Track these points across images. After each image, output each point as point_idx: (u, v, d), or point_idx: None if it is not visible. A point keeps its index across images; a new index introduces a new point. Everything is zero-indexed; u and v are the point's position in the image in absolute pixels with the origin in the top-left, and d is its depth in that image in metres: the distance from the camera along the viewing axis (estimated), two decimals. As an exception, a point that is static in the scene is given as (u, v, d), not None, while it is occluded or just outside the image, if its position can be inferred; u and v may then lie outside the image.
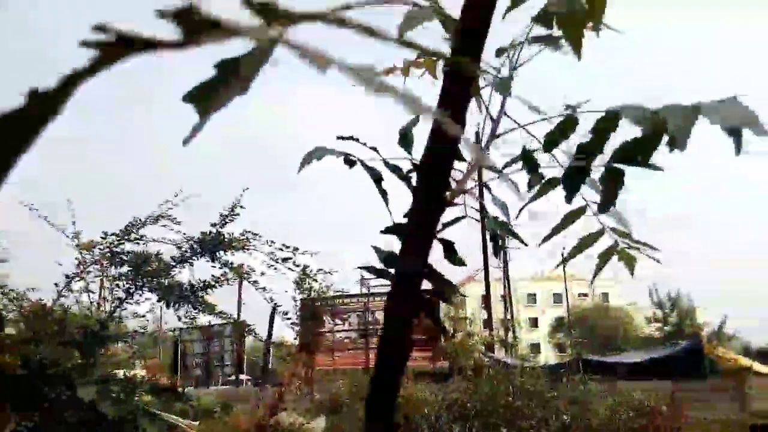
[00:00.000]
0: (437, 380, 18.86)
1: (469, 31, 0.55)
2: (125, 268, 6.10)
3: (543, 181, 0.92)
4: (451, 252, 0.97)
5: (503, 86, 0.80)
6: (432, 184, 0.63)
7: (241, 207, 6.22)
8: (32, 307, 6.02)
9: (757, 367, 19.79)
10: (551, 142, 0.83)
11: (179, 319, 6.22)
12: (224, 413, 14.05)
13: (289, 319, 6.97)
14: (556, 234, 1.05)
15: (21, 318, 5.95)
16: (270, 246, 6.30)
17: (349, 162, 0.89)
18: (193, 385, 29.01)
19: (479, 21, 0.57)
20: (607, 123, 0.75)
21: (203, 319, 6.72)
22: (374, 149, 0.87)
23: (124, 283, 6.03)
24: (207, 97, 0.32)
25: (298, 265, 6.44)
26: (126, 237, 6.27)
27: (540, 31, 0.82)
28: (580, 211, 1.01)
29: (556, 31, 0.81)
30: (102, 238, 6.29)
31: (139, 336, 7.08)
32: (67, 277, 6.17)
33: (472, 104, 0.91)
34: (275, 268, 6.31)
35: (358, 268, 0.97)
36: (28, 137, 0.27)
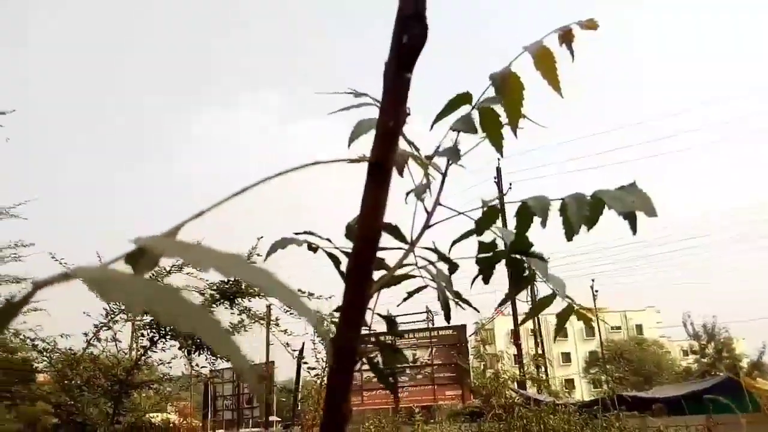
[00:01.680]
0: (471, 419, 18.59)
1: (386, 134, 0.70)
2: (149, 318, 6.30)
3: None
4: (392, 325, 1.11)
5: (419, 193, 0.95)
6: (356, 273, 0.77)
7: (258, 255, 6.41)
8: (63, 356, 6.24)
9: (804, 400, 18.99)
10: (481, 227, 0.97)
11: (191, 366, 6.36)
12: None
13: (306, 363, 7.07)
14: (532, 317, 1.20)
15: (52, 368, 6.16)
16: None
17: (312, 249, 1.05)
18: (224, 427, 28.94)
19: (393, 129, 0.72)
20: (522, 213, 0.89)
21: (224, 365, 6.86)
22: (328, 240, 1.02)
23: (149, 332, 6.22)
24: (134, 263, 0.48)
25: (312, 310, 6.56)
26: (155, 274, 6.49)
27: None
28: (551, 298, 1.12)
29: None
30: (129, 287, 6.51)
31: (166, 382, 7.24)
32: (95, 326, 6.39)
33: (410, 197, 1.05)
34: (291, 313, 6.45)
35: (302, 361, 1.10)
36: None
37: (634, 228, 0.86)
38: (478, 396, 21.27)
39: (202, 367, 6.47)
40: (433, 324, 28.29)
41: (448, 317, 1.11)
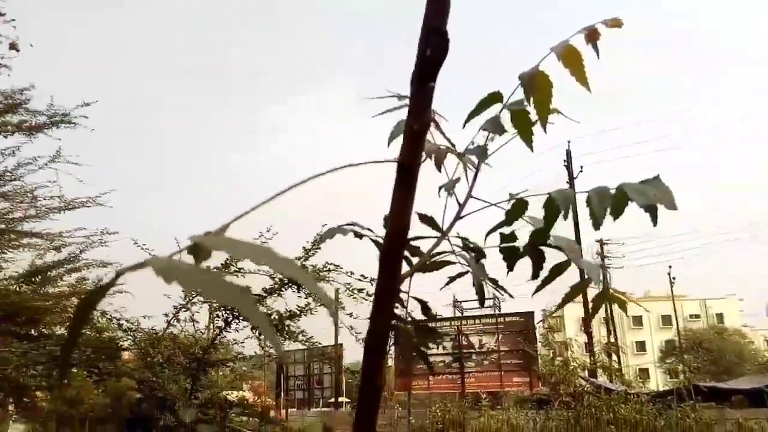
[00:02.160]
0: (539, 406, 18.42)
1: (405, 166, 0.78)
2: (224, 299, 6.61)
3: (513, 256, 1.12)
4: (426, 310, 1.20)
5: (449, 188, 1.02)
6: (387, 260, 0.85)
7: (323, 240, 6.57)
8: (145, 336, 6.68)
9: None
10: (509, 219, 1.03)
11: (262, 348, 6.66)
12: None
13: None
14: (565, 305, 1.25)
15: (136, 346, 6.61)
16: (350, 276, 6.63)
17: (358, 236, 1.14)
18: (295, 406, 29.94)
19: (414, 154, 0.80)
20: (554, 203, 0.94)
21: (295, 346, 7.14)
22: (369, 229, 1.11)
23: (223, 313, 6.55)
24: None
25: (371, 295, 6.74)
26: (226, 270, 6.83)
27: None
28: (585, 283, 1.18)
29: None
30: (204, 271, 6.87)
31: (240, 360, 7.62)
32: (174, 308, 6.80)
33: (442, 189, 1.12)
34: (354, 297, 6.63)
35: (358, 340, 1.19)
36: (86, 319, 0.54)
37: (654, 220, 0.90)
38: (546, 383, 21.01)
39: (271, 348, 6.78)
40: (500, 310, 28.05)
41: (482, 302, 1.18)
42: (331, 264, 6.62)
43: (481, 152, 1.01)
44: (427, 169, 1.24)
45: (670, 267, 39.09)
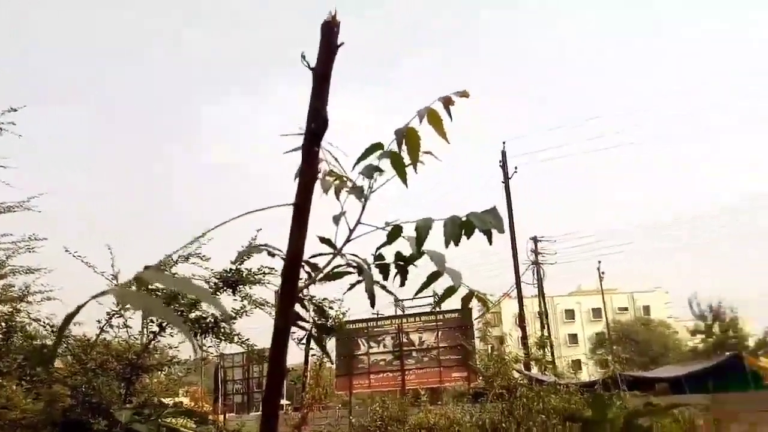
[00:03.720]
0: (476, 400, 19.01)
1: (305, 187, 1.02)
2: (158, 304, 6.63)
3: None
4: (321, 312, 1.45)
5: (336, 220, 1.28)
6: (287, 276, 1.08)
7: (258, 246, 6.69)
8: (78, 342, 6.63)
9: (806, 378, 19.20)
10: (389, 240, 1.29)
11: (201, 348, 6.72)
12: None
13: (302, 343, 7.43)
14: (440, 304, 1.52)
15: (68, 352, 6.55)
16: None
17: (271, 254, 1.37)
18: (234, 410, 29.57)
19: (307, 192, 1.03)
20: (419, 229, 1.21)
21: (233, 347, 7.23)
22: (280, 250, 1.34)
23: (157, 318, 6.58)
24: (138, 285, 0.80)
25: (306, 296, 6.91)
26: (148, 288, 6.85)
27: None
28: (455, 288, 1.45)
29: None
30: (138, 277, 6.87)
31: (174, 365, 7.64)
32: (107, 314, 6.77)
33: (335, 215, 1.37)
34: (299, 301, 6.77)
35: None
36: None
37: (489, 240, 1.18)
38: (482, 377, 21.68)
39: (209, 346, 6.86)
40: (440, 307, 28.63)
41: (372, 304, 1.42)
42: (266, 267, 6.76)
43: (360, 192, 1.26)
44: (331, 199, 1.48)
45: (599, 262, 40.96)
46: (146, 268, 0.80)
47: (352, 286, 1.43)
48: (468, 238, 1.19)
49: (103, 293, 0.69)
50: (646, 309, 60.64)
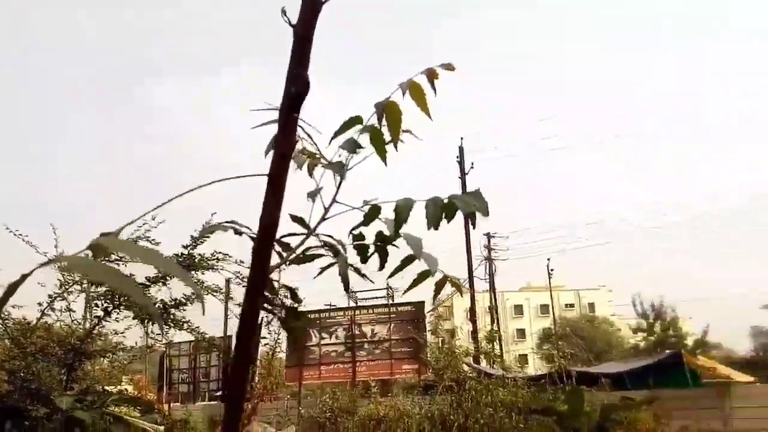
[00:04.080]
0: (425, 392, 19.17)
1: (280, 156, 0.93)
2: (103, 289, 6.38)
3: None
4: (294, 296, 1.37)
5: (313, 196, 1.20)
6: (258, 254, 1.00)
7: (203, 236, 6.50)
8: (17, 325, 6.31)
9: (738, 376, 20.08)
10: (366, 220, 1.22)
11: (147, 335, 6.53)
12: (210, 429, 14.29)
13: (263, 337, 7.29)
14: (413, 288, 1.47)
15: (6, 336, 6.23)
16: (239, 265, 6.61)
17: (238, 232, 1.27)
18: (179, 400, 28.98)
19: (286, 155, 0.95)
20: (399, 209, 1.14)
21: (180, 336, 7.03)
22: (249, 228, 1.25)
23: (103, 302, 6.33)
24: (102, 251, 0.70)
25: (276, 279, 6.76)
26: (106, 258, 6.58)
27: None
28: (427, 273, 1.39)
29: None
30: (84, 258, 6.59)
31: (120, 351, 7.37)
32: (50, 297, 6.46)
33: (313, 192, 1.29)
34: (243, 285, 6.63)
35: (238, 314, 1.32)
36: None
37: (473, 223, 1.13)
38: (432, 370, 21.89)
39: (157, 334, 6.63)
40: (392, 300, 28.76)
41: (346, 287, 1.35)
42: (219, 253, 6.56)
43: (339, 167, 1.19)
44: (303, 175, 1.40)
45: (548, 259, 41.88)
46: (103, 235, 0.70)
47: (323, 269, 1.35)
48: (448, 222, 1.13)
49: (53, 260, 0.60)
50: (591, 306, 62.43)
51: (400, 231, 1.15)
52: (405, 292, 1.49)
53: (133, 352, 7.31)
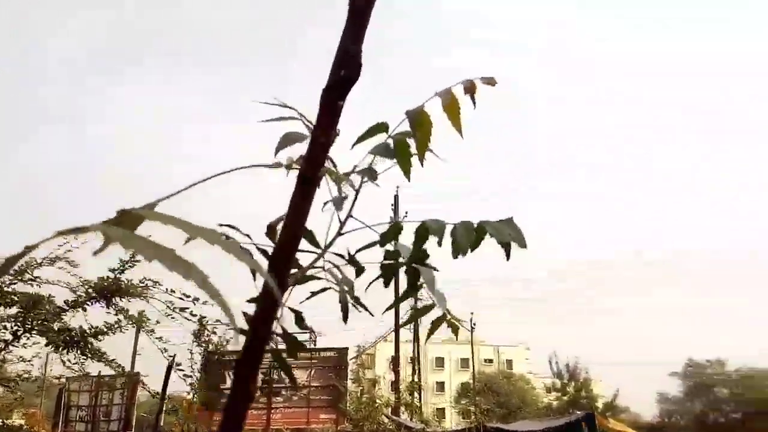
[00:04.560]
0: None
1: (316, 144, 0.81)
2: (14, 310, 5.87)
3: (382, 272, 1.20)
4: (299, 320, 1.22)
5: (338, 204, 1.08)
6: (277, 268, 0.86)
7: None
8: None
9: (644, 439, 20.72)
10: (385, 239, 1.11)
11: (64, 364, 6.01)
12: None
13: (182, 371, 6.85)
14: (411, 322, 1.34)
15: None
16: (170, 294, 6.26)
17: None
18: (76, 439, 26.82)
19: (322, 153, 0.83)
20: (421, 231, 1.04)
21: (93, 368, 6.48)
22: (248, 236, 1.10)
23: (12, 324, 5.79)
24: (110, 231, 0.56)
25: (195, 315, 6.42)
26: (19, 277, 6.05)
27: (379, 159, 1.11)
28: (429, 307, 1.28)
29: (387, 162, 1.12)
30: (-7, 276, 6.06)
31: (22, 382, 6.72)
32: (-49, 315, 5.86)
33: (327, 206, 1.18)
34: (172, 318, 6.26)
35: (230, 328, 1.16)
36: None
37: (508, 255, 1.03)
38: (351, 420, 21.35)
39: (74, 363, 6.07)
40: (315, 345, 28.12)
41: (345, 317, 1.22)
42: (149, 280, 6.17)
43: (370, 172, 1.08)
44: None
45: (472, 313, 42.43)
46: (121, 212, 0.57)
47: (315, 293, 1.22)
48: (472, 251, 1.03)
49: (79, 229, 0.46)
50: (509, 363, 63.44)
51: (418, 256, 1.05)
52: (404, 324, 1.36)
53: (37, 384, 6.63)
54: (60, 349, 5.81)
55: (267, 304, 0.87)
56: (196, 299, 6.35)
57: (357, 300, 1.23)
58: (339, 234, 1.06)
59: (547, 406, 44.17)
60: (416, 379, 31.33)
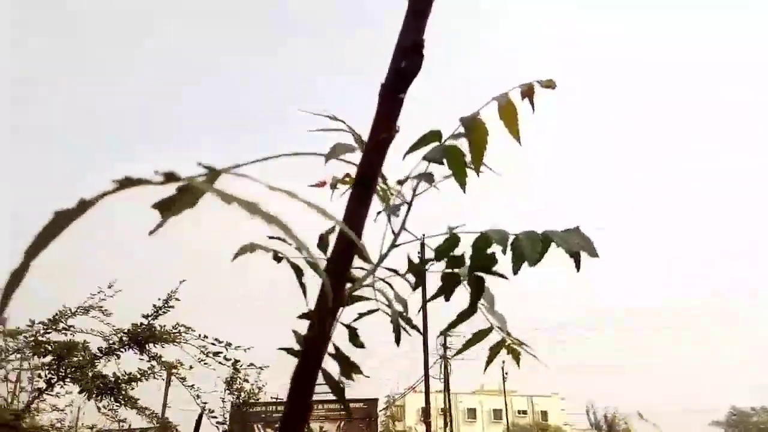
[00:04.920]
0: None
1: (370, 154, 0.78)
2: (48, 358, 5.90)
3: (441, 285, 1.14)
4: (354, 336, 1.16)
5: (394, 211, 1.04)
6: (334, 279, 0.82)
7: (177, 299, 6.18)
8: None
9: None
10: (441, 253, 1.06)
11: (99, 410, 5.95)
12: None
13: (215, 417, 6.74)
14: (467, 349, 1.26)
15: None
16: (203, 340, 6.23)
17: (277, 258, 1.09)
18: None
19: (376, 161, 0.80)
20: (482, 242, 0.98)
21: (124, 414, 6.39)
22: (298, 249, 1.06)
23: (46, 373, 5.79)
24: (167, 206, 0.52)
25: (228, 359, 6.36)
26: (53, 326, 6.11)
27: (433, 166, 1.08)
28: (487, 331, 1.22)
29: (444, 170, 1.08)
30: (28, 326, 6.11)
31: (54, 431, 6.68)
32: (-16, 361, 5.90)
33: (381, 218, 1.14)
34: (205, 363, 6.21)
35: (279, 349, 1.12)
36: (57, 233, 0.46)
37: (578, 266, 0.97)
38: (383, 474, 20.73)
39: (108, 409, 6.00)
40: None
41: (398, 340, 1.16)
42: (181, 325, 6.16)
43: (427, 176, 1.04)
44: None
45: (503, 362, 41.42)
46: (182, 186, 0.54)
47: (363, 315, 1.17)
48: (535, 264, 0.97)
49: (140, 181, 0.43)
50: (544, 414, 61.29)
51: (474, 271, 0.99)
52: (458, 353, 1.28)
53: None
54: (94, 396, 5.78)
55: (322, 315, 0.82)
56: (229, 344, 6.31)
57: (409, 321, 1.17)
58: (393, 246, 1.02)
59: (586, 459, 42.43)
60: (448, 431, 30.45)
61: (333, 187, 1.35)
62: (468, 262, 1.04)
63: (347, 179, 1.29)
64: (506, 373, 42.63)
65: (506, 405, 43.89)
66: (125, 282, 7.05)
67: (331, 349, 1.10)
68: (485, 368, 1.32)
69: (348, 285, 1.00)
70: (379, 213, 1.06)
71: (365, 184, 0.77)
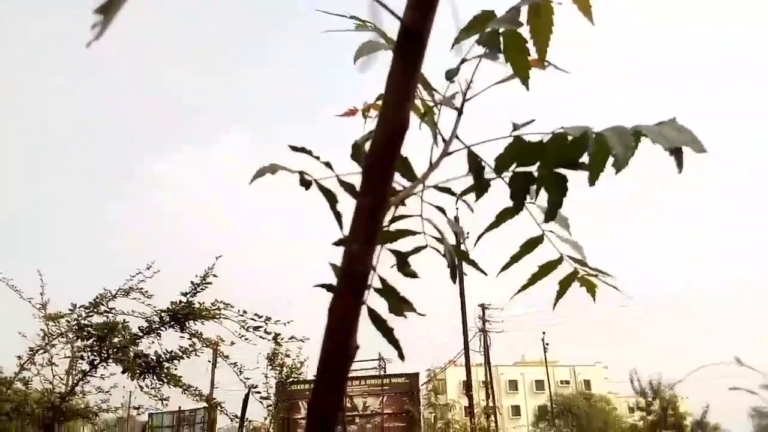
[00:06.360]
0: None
1: (411, 33, 0.60)
2: (91, 341, 5.94)
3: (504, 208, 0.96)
4: (402, 263, 0.98)
5: (452, 74, 0.85)
6: (373, 182, 0.65)
7: (214, 275, 6.13)
8: (-8, 378, 5.78)
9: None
10: (502, 164, 0.86)
11: (141, 389, 5.99)
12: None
13: (258, 392, 6.73)
14: (515, 262, 1.06)
15: (-22, 391, 5.68)
16: (242, 315, 6.19)
17: (305, 183, 0.91)
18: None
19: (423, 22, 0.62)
20: (557, 143, 0.79)
21: (168, 392, 6.41)
22: (328, 165, 0.89)
23: (89, 354, 5.83)
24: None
25: (269, 333, 6.31)
26: (95, 309, 6.14)
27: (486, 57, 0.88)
28: (538, 240, 1.03)
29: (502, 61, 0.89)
30: (70, 310, 6.16)
31: (102, 413, 6.77)
32: (30, 349, 5.97)
33: (425, 128, 0.96)
34: (245, 339, 6.17)
35: (315, 286, 0.96)
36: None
37: (680, 165, 0.77)
38: (428, 446, 20.83)
39: (152, 387, 6.04)
40: (384, 371, 27.80)
41: (453, 276, 0.99)
42: (221, 302, 6.12)
43: (491, 55, 0.84)
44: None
45: (543, 333, 41.08)
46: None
47: (411, 252, 1.00)
48: (621, 169, 0.77)
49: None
50: (587, 383, 60.71)
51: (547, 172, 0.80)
52: (521, 290, 1.08)
53: (119, 413, 6.68)
54: (137, 375, 5.81)
55: (365, 227, 0.65)
56: (268, 319, 6.25)
57: (465, 256, 1.00)
58: (446, 154, 0.83)
59: (632, 427, 41.92)
60: (490, 403, 30.42)
61: (365, 114, 1.18)
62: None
63: (379, 103, 1.12)
64: (547, 344, 42.29)
65: (548, 375, 43.62)
66: (163, 263, 7.05)
67: (376, 283, 0.94)
68: (554, 305, 1.13)
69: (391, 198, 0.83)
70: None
71: (412, 41, 0.58)
